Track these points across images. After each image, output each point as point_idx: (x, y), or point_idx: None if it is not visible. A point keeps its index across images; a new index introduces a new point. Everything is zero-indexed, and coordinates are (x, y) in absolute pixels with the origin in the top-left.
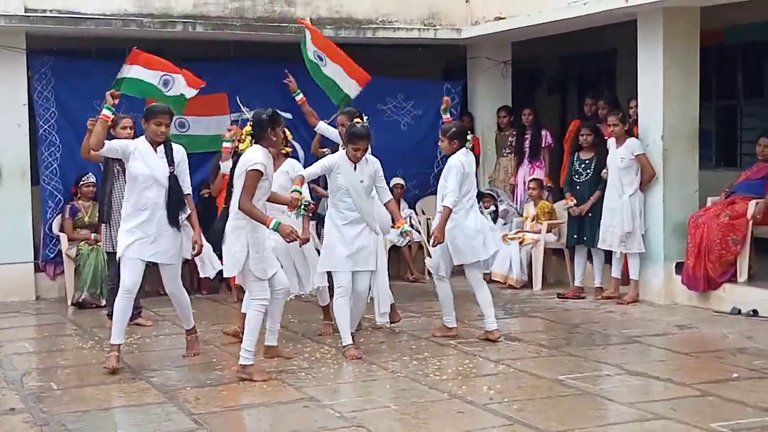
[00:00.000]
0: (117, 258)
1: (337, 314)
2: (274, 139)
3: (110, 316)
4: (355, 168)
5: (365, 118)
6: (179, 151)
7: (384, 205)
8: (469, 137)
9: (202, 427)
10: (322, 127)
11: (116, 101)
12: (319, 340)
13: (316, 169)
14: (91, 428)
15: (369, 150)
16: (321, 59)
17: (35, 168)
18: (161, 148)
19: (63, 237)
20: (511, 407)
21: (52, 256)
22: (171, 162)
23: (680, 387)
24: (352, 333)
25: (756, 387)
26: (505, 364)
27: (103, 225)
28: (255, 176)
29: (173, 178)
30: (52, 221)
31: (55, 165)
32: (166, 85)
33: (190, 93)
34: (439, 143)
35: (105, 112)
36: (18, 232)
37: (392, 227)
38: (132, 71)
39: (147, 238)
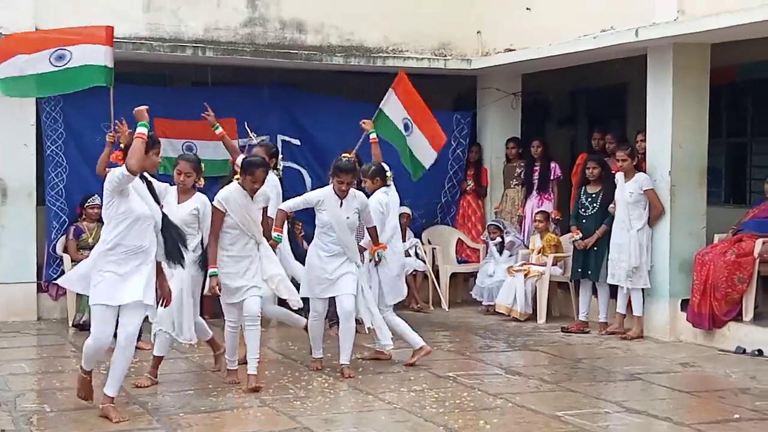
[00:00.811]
0: None
1: (310, 332)
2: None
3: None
4: (341, 204)
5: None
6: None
7: (366, 229)
8: (388, 173)
9: None
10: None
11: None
12: (319, 369)
13: (297, 201)
14: None
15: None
16: (408, 128)
17: (41, 188)
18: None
19: (66, 258)
20: None
21: (55, 276)
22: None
23: (679, 427)
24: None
25: (757, 428)
26: (504, 398)
27: None
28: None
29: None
30: (56, 242)
31: (61, 186)
32: (60, 60)
33: (107, 58)
34: (363, 183)
35: (141, 129)
36: (22, 252)
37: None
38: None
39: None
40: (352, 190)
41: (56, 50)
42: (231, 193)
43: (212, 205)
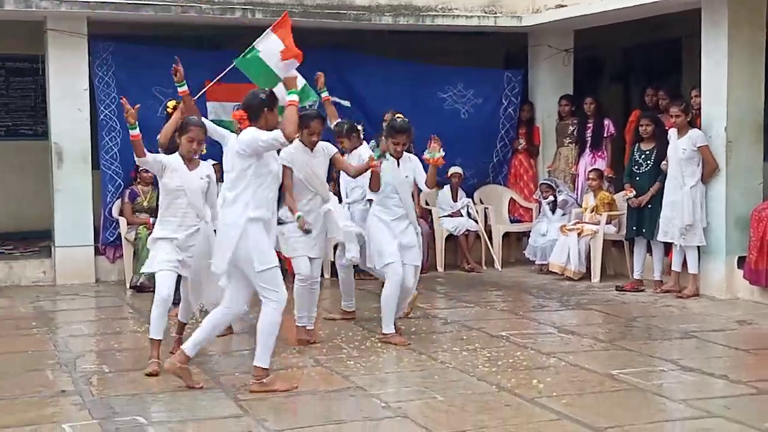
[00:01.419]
0: None
1: (386, 302)
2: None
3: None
4: (398, 164)
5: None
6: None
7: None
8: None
9: (247, 413)
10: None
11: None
12: (371, 329)
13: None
14: (138, 411)
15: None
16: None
17: (96, 153)
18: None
19: (122, 221)
20: (559, 401)
21: (111, 239)
22: None
23: (736, 385)
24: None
25: None
26: (557, 357)
27: None
28: None
29: None
30: (112, 205)
31: (116, 150)
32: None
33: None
34: (339, 144)
35: (292, 97)
36: (79, 216)
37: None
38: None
39: None
40: (405, 153)
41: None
42: (293, 150)
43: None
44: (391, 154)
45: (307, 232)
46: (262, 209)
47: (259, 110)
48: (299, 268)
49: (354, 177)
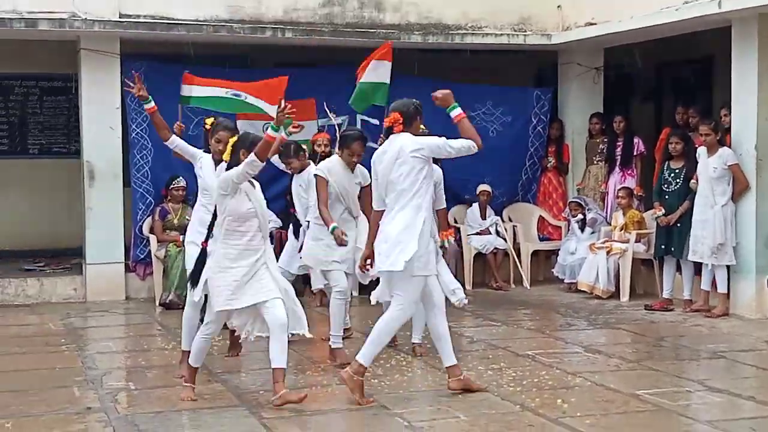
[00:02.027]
0: None
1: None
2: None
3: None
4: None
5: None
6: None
7: (435, 211)
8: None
9: None
10: (177, 143)
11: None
12: (397, 347)
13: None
14: (162, 429)
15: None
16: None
17: (127, 170)
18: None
19: (152, 238)
20: (583, 421)
21: (142, 257)
22: None
23: (763, 406)
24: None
25: None
26: (583, 376)
27: None
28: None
29: None
30: (143, 223)
31: (147, 168)
32: (237, 97)
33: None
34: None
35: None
36: (110, 234)
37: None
38: (194, 91)
39: None
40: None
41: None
42: (333, 164)
43: (316, 175)
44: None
45: (342, 244)
46: None
47: (414, 117)
48: (337, 281)
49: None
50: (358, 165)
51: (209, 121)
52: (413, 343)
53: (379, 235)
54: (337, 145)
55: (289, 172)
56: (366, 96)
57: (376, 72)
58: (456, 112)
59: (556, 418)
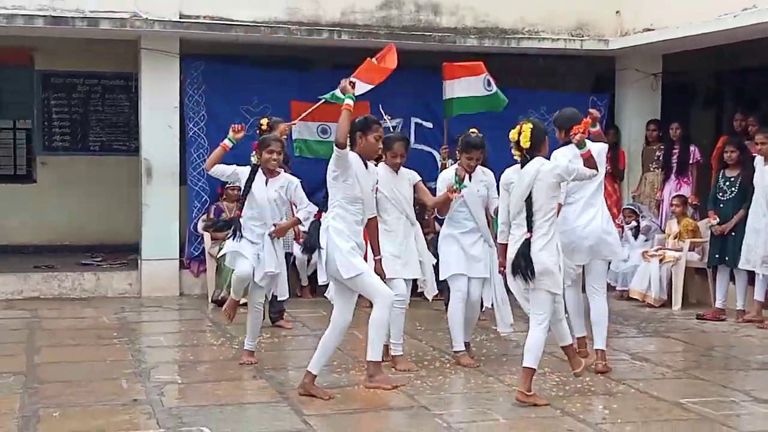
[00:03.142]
0: None
1: (452, 319)
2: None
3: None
4: (470, 179)
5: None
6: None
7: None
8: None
9: (311, 429)
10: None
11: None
12: (442, 349)
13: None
14: (204, 422)
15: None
16: (489, 83)
17: (183, 168)
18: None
19: (206, 236)
20: (623, 428)
21: (196, 254)
22: None
23: None
24: (466, 343)
25: None
26: (627, 384)
27: None
28: None
29: None
30: (198, 220)
31: (203, 166)
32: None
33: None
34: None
35: (227, 142)
36: (166, 230)
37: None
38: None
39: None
40: (479, 167)
41: (485, 77)
42: (380, 170)
43: None
44: (465, 168)
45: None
46: None
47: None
48: (398, 288)
49: (431, 208)
50: (402, 167)
51: (264, 121)
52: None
53: None
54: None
55: None
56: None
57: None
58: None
59: (596, 423)
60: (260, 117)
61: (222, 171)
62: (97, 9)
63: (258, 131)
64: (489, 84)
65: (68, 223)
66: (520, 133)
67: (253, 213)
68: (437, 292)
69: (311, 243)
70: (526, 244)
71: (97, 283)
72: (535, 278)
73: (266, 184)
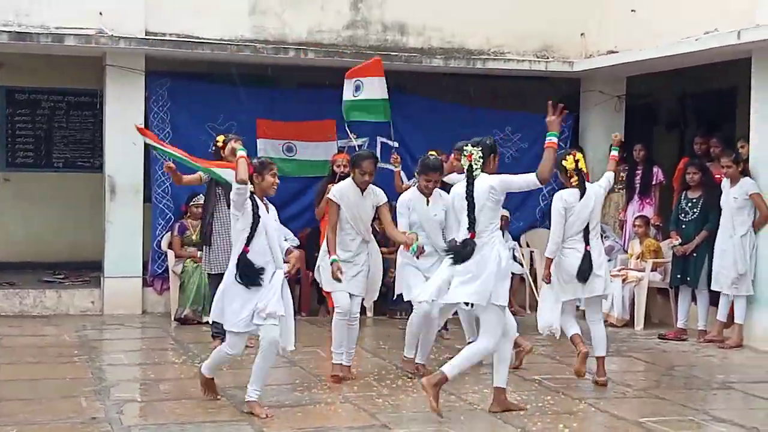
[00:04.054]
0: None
1: (410, 327)
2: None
3: (214, 336)
4: (427, 202)
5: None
6: None
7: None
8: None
9: None
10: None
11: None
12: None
13: (403, 221)
14: None
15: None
16: (358, 88)
17: (148, 186)
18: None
19: (170, 254)
20: None
21: (159, 272)
22: None
23: None
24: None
25: None
26: (588, 402)
27: (204, 247)
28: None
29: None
30: (161, 238)
31: (167, 184)
32: (357, 90)
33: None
34: None
35: (242, 152)
36: (129, 248)
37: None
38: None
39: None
40: (437, 189)
41: (356, 81)
42: (345, 187)
43: (328, 198)
44: (422, 192)
45: (337, 280)
46: None
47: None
48: (338, 301)
49: (388, 235)
50: (371, 185)
51: (220, 138)
52: (416, 363)
53: None
54: (349, 166)
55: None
56: (365, 110)
57: (377, 88)
58: (550, 138)
59: None
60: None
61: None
62: (62, 25)
63: (213, 148)
64: (357, 89)
65: (31, 240)
66: (577, 161)
67: (263, 247)
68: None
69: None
70: (588, 257)
71: (58, 300)
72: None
73: (268, 211)
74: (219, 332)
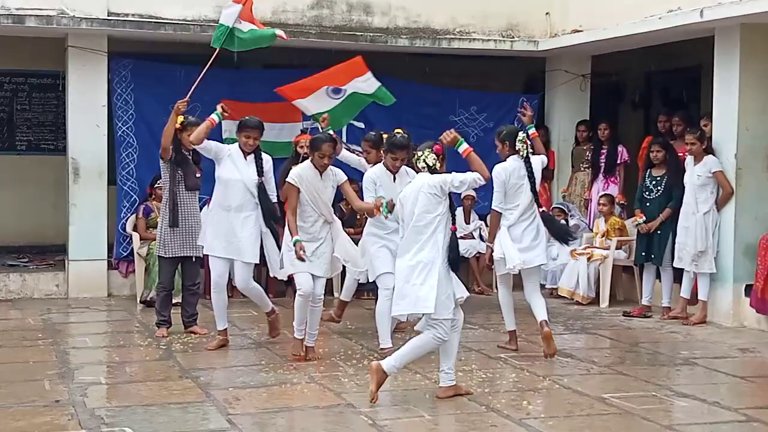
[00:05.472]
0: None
1: (379, 316)
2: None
3: (158, 325)
4: (394, 179)
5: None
6: (268, 161)
7: None
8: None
9: (235, 428)
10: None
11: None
12: (370, 347)
13: (370, 195)
14: (128, 423)
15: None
16: (337, 92)
17: (112, 168)
18: (251, 157)
19: (135, 236)
20: (546, 423)
21: (125, 254)
22: (260, 172)
23: (725, 411)
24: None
25: None
26: (552, 379)
27: (161, 229)
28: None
29: (261, 187)
30: (126, 220)
31: (132, 166)
32: (337, 93)
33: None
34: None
35: (214, 116)
36: (94, 231)
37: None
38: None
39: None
40: (404, 167)
41: (330, 88)
42: (304, 170)
43: (287, 182)
44: (388, 169)
45: (301, 260)
46: None
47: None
48: (301, 284)
49: (356, 211)
50: (330, 167)
51: (180, 119)
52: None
53: None
54: (309, 149)
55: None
56: (355, 108)
57: (363, 87)
58: (463, 147)
59: (519, 419)
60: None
61: (207, 147)
62: (22, 6)
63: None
64: (336, 92)
65: None
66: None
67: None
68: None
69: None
70: None
71: (23, 284)
72: None
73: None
74: (164, 320)
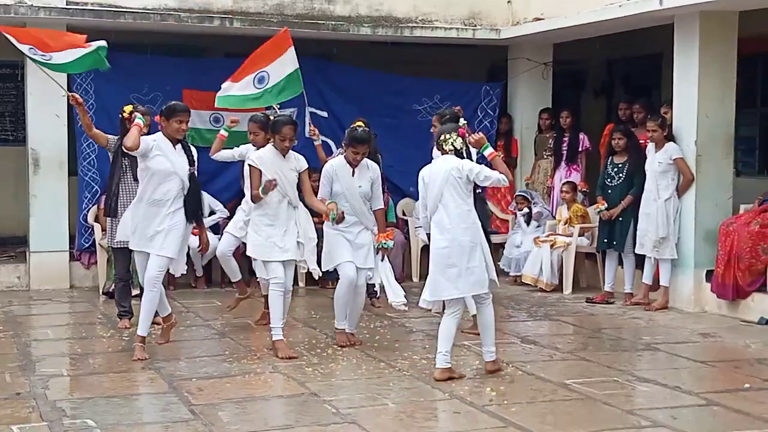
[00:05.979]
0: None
1: (337, 297)
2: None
3: (120, 316)
4: (353, 173)
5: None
6: (195, 151)
7: (373, 212)
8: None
9: (197, 419)
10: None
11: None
12: (335, 337)
13: (325, 190)
14: (89, 415)
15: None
16: (262, 80)
17: (73, 159)
18: (179, 146)
19: (97, 227)
20: (509, 409)
21: (86, 245)
22: (191, 161)
23: (686, 395)
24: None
25: (765, 398)
26: (515, 366)
27: (108, 219)
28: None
29: (193, 177)
30: (88, 211)
31: (93, 156)
32: (262, 82)
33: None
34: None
35: (139, 121)
36: (54, 222)
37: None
38: (233, 89)
39: (157, 231)
40: (365, 160)
41: (257, 74)
42: (265, 152)
43: (248, 164)
44: (348, 162)
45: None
46: None
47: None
48: (274, 271)
49: (306, 204)
50: (292, 151)
51: (127, 108)
52: (346, 333)
53: None
54: (270, 131)
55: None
56: (280, 92)
57: (287, 64)
58: (489, 151)
59: (482, 405)
60: (151, 106)
61: (228, 155)
62: None
63: (120, 118)
64: (261, 81)
65: None
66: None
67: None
68: (321, 273)
69: None
70: None
71: None
72: None
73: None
74: (125, 311)
